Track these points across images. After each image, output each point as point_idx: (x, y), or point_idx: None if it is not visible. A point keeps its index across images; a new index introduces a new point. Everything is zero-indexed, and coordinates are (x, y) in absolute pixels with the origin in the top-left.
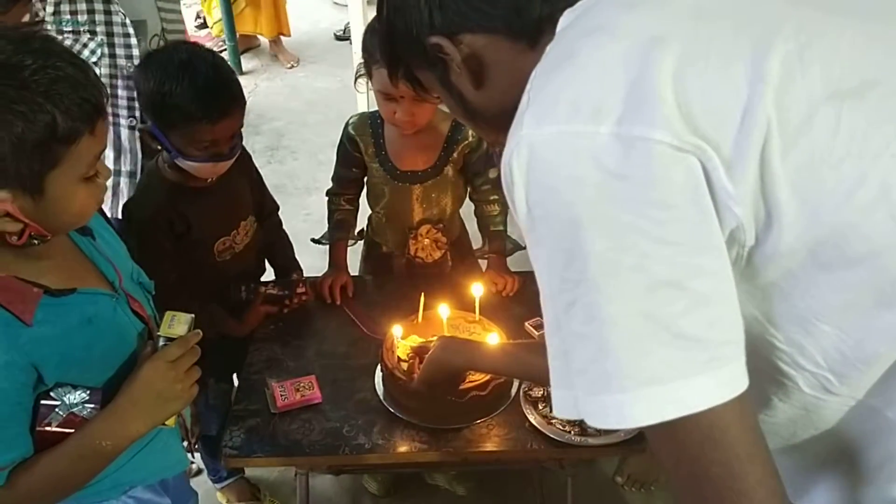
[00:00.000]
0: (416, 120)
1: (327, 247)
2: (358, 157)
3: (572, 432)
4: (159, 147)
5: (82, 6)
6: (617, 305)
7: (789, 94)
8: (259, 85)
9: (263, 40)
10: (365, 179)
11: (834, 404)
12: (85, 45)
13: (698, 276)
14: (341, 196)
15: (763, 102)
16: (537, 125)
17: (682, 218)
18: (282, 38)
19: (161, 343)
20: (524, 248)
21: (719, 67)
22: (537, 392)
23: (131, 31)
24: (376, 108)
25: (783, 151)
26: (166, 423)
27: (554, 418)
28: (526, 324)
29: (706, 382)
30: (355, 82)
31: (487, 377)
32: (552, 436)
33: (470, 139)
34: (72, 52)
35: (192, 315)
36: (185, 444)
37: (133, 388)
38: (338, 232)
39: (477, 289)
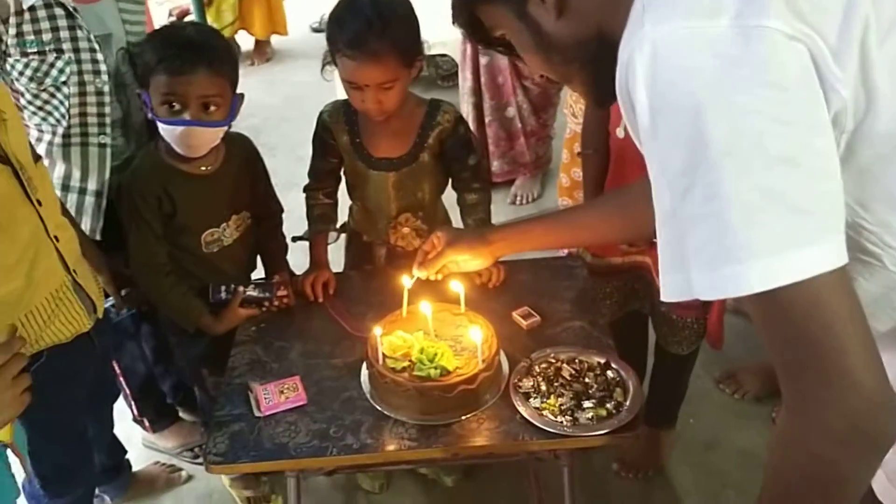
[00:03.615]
0: (383, 107)
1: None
2: (333, 145)
3: (564, 422)
4: (149, 114)
5: (45, 25)
6: (735, 182)
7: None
8: None
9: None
10: (342, 170)
11: None
12: (52, 66)
13: (811, 154)
14: (319, 190)
15: (861, 4)
16: (658, 23)
17: (796, 99)
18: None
19: None
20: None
21: None
22: (527, 384)
23: (96, 46)
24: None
25: (879, 42)
26: None
27: (545, 409)
28: (513, 314)
29: (817, 251)
30: (322, 70)
31: (476, 370)
32: (543, 427)
33: (445, 124)
34: None
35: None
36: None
37: None
38: (318, 225)
39: (457, 285)
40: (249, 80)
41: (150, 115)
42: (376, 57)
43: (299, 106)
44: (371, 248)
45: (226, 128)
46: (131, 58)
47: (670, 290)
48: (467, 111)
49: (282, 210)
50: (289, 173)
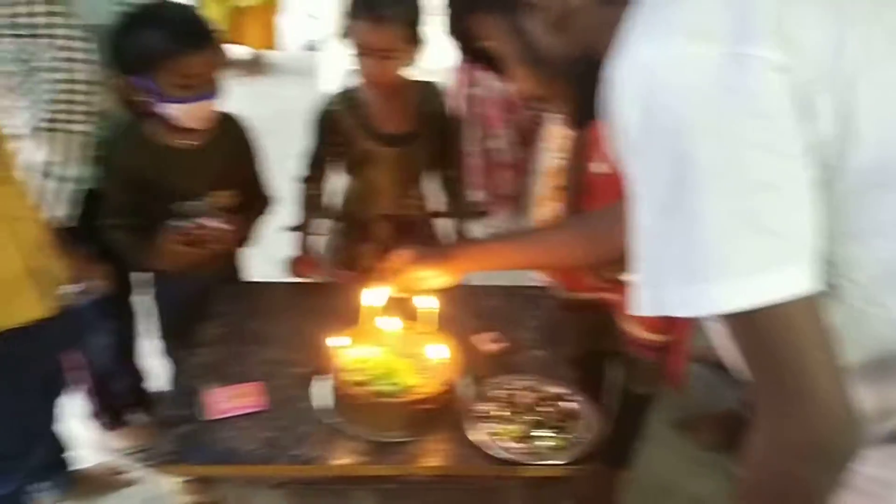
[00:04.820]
0: (386, 78)
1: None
2: (339, 131)
3: (518, 450)
4: (142, 99)
5: (39, 8)
6: (716, 202)
7: (871, 34)
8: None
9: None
10: (336, 159)
11: (875, 320)
12: (42, 51)
13: (789, 181)
14: (313, 180)
15: (850, 38)
16: (653, 45)
17: (780, 128)
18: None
19: None
20: (482, 212)
21: (814, 9)
22: (485, 408)
23: (88, 35)
24: (348, 86)
25: (865, 79)
26: None
27: (500, 436)
28: (479, 337)
29: (789, 276)
30: (340, 38)
31: (434, 390)
32: (496, 453)
33: (439, 102)
34: None
35: None
36: None
37: None
38: (311, 212)
39: (424, 303)
40: (240, 93)
41: (147, 99)
42: (385, 22)
43: (286, 120)
44: (368, 226)
45: None
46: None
47: (644, 305)
48: None
49: (267, 202)
50: (271, 186)
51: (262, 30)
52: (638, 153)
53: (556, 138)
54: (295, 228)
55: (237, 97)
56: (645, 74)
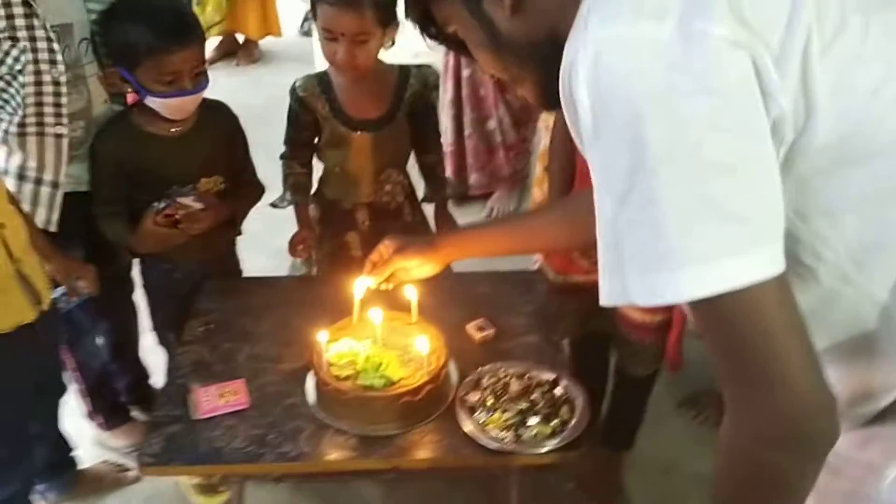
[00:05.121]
0: (357, 62)
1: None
2: (310, 118)
3: (507, 439)
4: (129, 90)
5: (19, 10)
6: (672, 189)
7: (825, 5)
8: (219, 80)
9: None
10: (315, 141)
11: (850, 299)
12: (7, 53)
13: (749, 162)
14: (295, 159)
15: (805, 10)
16: (602, 24)
17: (736, 107)
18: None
19: None
20: (465, 194)
21: None
22: (474, 397)
23: (53, 36)
24: (320, 70)
25: (821, 52)
26: None
27: (489, 425)
28: (467, 326)
29: (752, 260)
30: (301, 25)
31: (421, 381)
32: (484, 443)
33: (417, 87)
34: None
35: None
36: None
37: None
38: (297, 196)
39: (411, 291)
40: (235, 80)
41: (132, 90)
42: (355, 5)
43: (282, 108)
44: (351, 214)
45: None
46: (93, 36)
47: (608, 295)
48: (447, 122)
49: (259, 190)
50: (264, 177)
51: (261, 17)
52: (594, 139)
53: (548, 117)
54: (275, 205)
55: (232, 87)
56: (593, 56)
